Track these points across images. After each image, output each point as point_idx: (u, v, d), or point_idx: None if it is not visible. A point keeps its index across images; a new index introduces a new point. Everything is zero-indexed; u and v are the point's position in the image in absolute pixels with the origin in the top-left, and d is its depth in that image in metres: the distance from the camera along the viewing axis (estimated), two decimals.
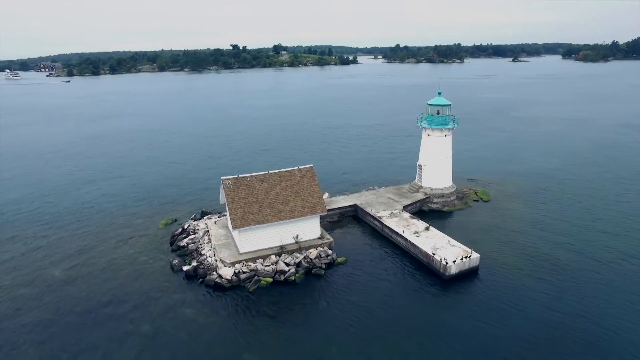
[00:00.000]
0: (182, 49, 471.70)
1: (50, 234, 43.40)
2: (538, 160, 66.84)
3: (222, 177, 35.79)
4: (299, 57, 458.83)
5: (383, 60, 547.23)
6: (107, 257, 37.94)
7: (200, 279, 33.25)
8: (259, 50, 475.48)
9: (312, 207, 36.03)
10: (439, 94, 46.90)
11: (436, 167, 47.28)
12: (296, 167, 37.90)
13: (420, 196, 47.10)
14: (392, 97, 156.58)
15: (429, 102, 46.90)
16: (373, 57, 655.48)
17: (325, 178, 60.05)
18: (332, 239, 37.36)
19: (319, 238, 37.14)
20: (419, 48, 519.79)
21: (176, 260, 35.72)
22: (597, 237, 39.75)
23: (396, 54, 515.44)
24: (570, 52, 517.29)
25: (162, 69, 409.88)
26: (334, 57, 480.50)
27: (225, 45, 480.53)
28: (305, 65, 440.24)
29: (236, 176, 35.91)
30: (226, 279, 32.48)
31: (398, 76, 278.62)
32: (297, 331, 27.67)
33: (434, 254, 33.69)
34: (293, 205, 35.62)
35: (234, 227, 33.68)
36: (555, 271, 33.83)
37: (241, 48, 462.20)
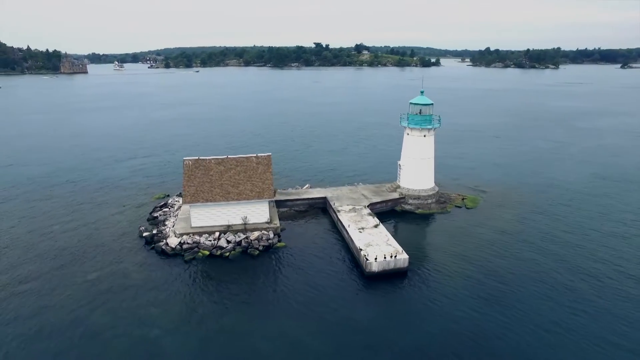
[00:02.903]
0: (268, 46, 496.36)
1: (71, 197, 51.59)
2: (565, 173, 60.78)
3: (183, 158, 39.74)
4: (379, 57, 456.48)
5: (468, 63, 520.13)
6: (97, 219, 44.34)
7: (153, 245, 37.58)
8: (340, 49, 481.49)
9: (260, 192, 38.34)
10: (422, 93, 45.83)
11: (415, 167, 46.36)
12: (254, 154, 40.47)
13: (394, 196, 46.64)
14: (452, 100, 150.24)
15: (411, 101, 46.12)
16: (460, 59, 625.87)
17: (327, 173, 61.65)
18: (278, 225, 39.30)
19: (266, 222, 39.33)
20: (512, 52, 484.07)
21: (143, 227, 40.58)
22: (573, 253, 36.27)
23: (484, 57, 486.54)
24: None
25: (247, 63, 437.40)
26: (414, 59, 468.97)
27: (309, 43, 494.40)
28: (384, 65, 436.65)
29: (197, 158, 39.60)
30: (170, 247, 36.35)
31: (473, 80, 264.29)
32: (204, 297, 30.46)
33: (361, 249, 33.98)
34: (242, 189, 38.30)
35: (184, 202, 37.41)
36: (493, 282, 32.03)
37: (324, 46, 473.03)
